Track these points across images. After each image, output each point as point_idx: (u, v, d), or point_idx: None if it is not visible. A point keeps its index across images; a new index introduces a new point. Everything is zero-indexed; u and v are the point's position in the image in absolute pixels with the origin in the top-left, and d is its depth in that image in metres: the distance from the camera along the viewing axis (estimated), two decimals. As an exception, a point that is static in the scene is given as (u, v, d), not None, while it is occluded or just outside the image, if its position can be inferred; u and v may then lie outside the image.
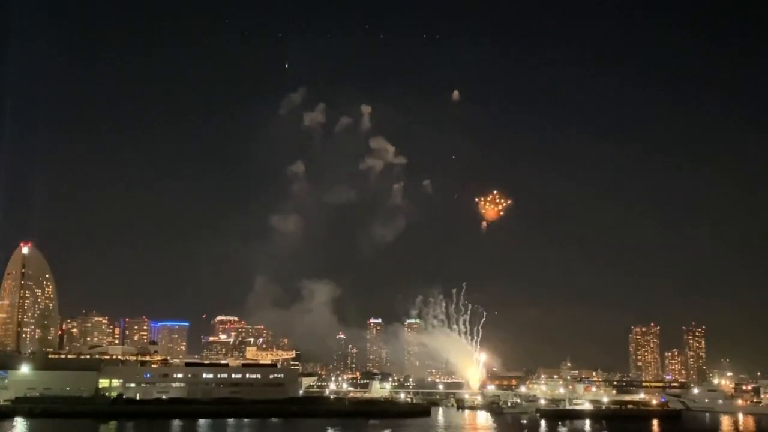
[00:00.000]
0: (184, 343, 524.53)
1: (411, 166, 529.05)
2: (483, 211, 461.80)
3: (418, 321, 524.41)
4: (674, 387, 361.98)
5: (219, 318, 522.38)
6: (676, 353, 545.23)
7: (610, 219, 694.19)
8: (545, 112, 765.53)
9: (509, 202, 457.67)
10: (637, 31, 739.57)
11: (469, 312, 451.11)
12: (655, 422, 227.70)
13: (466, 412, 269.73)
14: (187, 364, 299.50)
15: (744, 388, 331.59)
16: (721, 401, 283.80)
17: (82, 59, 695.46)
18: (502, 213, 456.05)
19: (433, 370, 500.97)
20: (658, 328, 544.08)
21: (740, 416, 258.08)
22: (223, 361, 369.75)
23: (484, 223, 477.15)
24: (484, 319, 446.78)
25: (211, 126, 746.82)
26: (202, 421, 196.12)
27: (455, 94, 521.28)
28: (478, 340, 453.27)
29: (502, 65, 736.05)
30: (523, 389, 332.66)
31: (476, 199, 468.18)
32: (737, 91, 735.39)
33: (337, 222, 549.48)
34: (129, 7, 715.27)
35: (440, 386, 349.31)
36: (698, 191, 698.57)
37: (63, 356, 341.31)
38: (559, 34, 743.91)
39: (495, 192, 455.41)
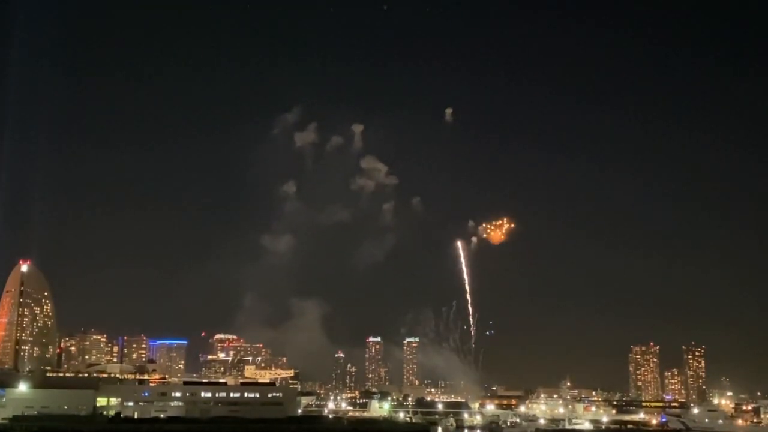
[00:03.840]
0: (182, 362, 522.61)
1: (403, 185, 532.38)
2: (487, 234, 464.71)
3: (416, 340, 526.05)
4: (674, 407, 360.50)
5: (218, 336, 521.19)
6: (675, 373, 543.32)
7: (609, 239, 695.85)
8: (538, 134, 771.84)
9: (512, 226, 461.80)
10: (631, 60, 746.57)
11: (460, 330, 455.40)
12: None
13: (466, 431, 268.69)
14: (186, 383, 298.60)
15: (744, 408, 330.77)
16: (721, 421, 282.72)
17: (81, 78, 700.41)
18: (505, 237, 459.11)
19: (433, 389, 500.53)
20: (658, 347, 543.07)
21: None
22: (221, 380, 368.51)
23: (474, 239, 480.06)
24: (474, 338, 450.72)
25: (206, 146, 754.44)
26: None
27: (448, 112, 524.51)
28: (472, 358, 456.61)
29: (495, 87, 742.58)
30: (522, 409, 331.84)
31: (483, 225, 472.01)
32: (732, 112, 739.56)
33: (330, 241, 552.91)
34: (124, 26, 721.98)
35: (439, 405, 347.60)
36: (698, 212, 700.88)
37: (61, 374, 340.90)
38: (553, 57, 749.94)
39: (504, 219, 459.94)
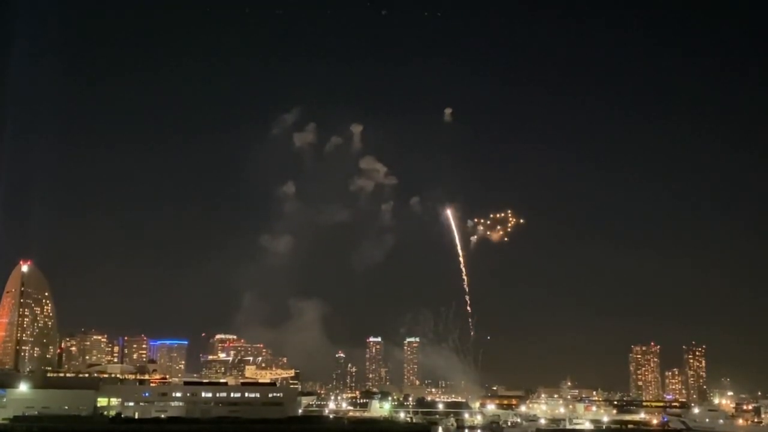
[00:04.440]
0: (183, 362, 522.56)
1: (402, 185, 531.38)
2: (488, 232, 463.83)
3: (417, 340, 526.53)
4: (675, 407, 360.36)
5: (218, 336, 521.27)
6: (676, 372, 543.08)
7: (609, 238, 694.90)
8: (537, 134, 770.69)
9: (516, 220, 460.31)
10: (632, 59, 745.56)
11: (459, 330, 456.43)
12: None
13: (466, 431, 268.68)
14: (186, 383, 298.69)
15: (744, 407, 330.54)
16: (721, 421, 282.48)
17: (81, 78, 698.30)
18: (507, 238, 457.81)
19: (433, 389, 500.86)
20: (659, 347, 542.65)
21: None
22: (222, 380, 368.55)
23: (473, 238, 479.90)
24: (472, 338, 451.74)
25: (206, 146, 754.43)
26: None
27: (447, 112, 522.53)
28: (472, 358, 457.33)
29: (494, 87, 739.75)
30: (523, 409, 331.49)
31: (476, 220, 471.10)
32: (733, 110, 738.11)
33: (329, 242, 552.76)
34: (125, 27, 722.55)
35: (440, 405, 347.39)
36: (699, 212, 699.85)
37: (62, 375, 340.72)
38: (553, 57, 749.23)
39: (508, 211, 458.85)
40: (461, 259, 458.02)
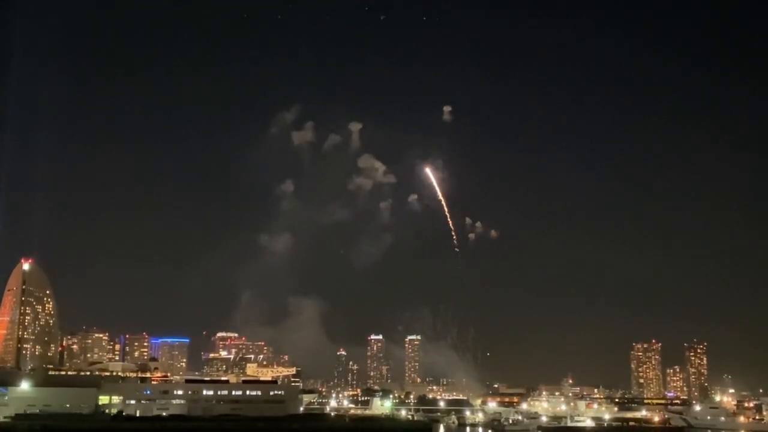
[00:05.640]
0: (184, 360, 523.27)
1: (400, 184, 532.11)
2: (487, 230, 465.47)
3: (418, 337, 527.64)
4: (676, 404, 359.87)
5: (219, 334, 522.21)
6: (677, 370, 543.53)
7: (611, 236, 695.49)
8: (537, 133, 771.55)
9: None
10: (630, 57, 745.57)
11: (458, 328, 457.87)
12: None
13: (468, 429, 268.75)
14: (188, 381, 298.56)
15: (746, 405, 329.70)
16: (723, 418, 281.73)
17: (81, 78, 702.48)
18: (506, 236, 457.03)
19: (434, 387, 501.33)
20: (660, 344, 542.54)
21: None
22: (223, 378, 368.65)
23: (471, 236, 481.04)
24: (471, 335, 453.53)
25: (205, 145, 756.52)
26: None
27: (446, 110, 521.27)
28: (471, 356, 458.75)
29: (493, 86, 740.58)
30: (524, 406, 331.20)
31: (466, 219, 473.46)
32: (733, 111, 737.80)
33: (328, 240, 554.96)
34: (124, 26, 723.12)
35: (441, 403, 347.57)
36: (699, 209, 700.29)
37: (63, 373, 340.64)
38: (551, 56, 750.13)
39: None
40: (458, 259, 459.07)
